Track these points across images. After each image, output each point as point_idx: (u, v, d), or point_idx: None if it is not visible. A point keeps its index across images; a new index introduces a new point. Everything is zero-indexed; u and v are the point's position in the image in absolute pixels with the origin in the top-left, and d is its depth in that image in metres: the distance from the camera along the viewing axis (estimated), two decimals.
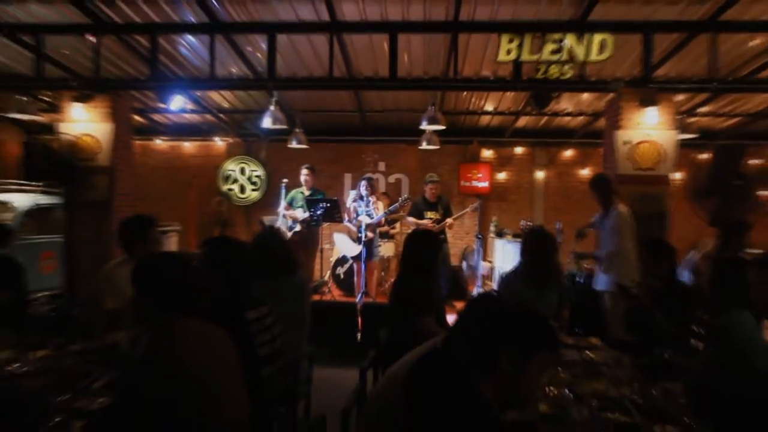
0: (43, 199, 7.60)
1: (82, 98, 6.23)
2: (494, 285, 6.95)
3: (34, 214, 7.39)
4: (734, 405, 2.35)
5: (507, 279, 3.94)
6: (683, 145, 6.51)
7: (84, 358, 2.86)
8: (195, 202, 9.91)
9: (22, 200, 7.41)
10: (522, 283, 3.71)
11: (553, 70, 5.46)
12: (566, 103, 8.30)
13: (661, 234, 5.13)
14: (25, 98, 7.51)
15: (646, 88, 5.60)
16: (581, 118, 8.87)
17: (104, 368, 2.68)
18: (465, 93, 8.11)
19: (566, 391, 2.55)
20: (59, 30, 6.10)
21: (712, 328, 2.79)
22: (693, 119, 8.26)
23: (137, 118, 8.85)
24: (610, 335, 4.00)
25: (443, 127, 7.15)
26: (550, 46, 5.38)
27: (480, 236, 8.12)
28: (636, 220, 4.99)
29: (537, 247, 3.74)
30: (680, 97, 6.54)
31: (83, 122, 6.30)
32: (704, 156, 8.71)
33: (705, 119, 8.65)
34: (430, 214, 6.82)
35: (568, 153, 9.97)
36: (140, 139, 9.42)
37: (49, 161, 6.81)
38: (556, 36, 5.36)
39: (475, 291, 7.31)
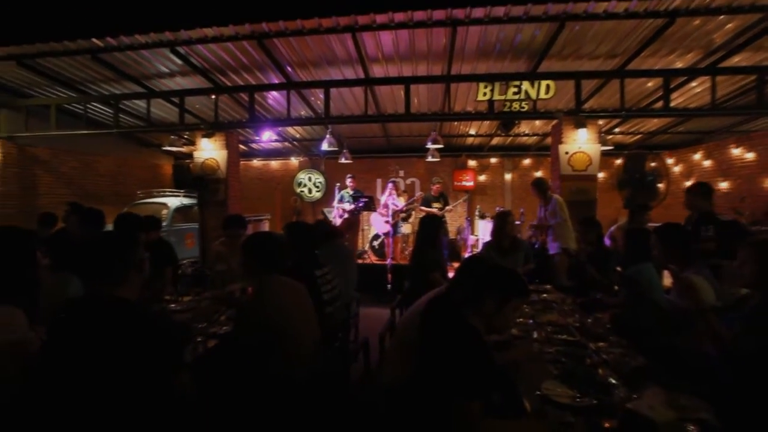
0: (186, 201, 7.78)
1: (207, 135, 6.35)
2: (478, 251, 6.89)
3: (181, 210, 7.57)
4: (642, 326, 2.31)
5: (484, 248, 3.92)
6: (605, 154, 6.34)
7: (213, 301, 2.93)
8: (279, 200, 10.06)
9: (173, 202, 7.60)
10: (492, 250, 3.70)
11: (515, 106, 5.34)
12: (524, 127, 8.14)
13: (591, 213, 5.01)
14: (173, 137, 7.70)
15: (578, 116, 5.45)
16: (534, 137, 8.68)
17: (226, 307, 2.76)
18: (456, 123, 8.02)
19: (530, 321, 2.55)
20: (194, 93, 6.20)
21: (625, 276, 2.73)
22: (610, 136, 8.07)
23: (242, 146, 8.99)
24: (558, 283, 3.94)
25: (442, 146, 7.10)
26: (512, 89, 5.27)
27: (468, 218, 8.05)
28: (573, 205, 4.89)
29: (499, 224, 3.72)
30: (601, 121, 6.35)
31: (209, 150, 6.41)
32: (619, 161, 8.48)
33: (618, 136, 8.45)
34: (435, 205, 6.77)
35: (527, 161, 9.76)
36: (243, 160, 9.54)
37: (189, 176, 6.96)
38: (516, 82, 5.27)
39: (466, 255, 7.27)
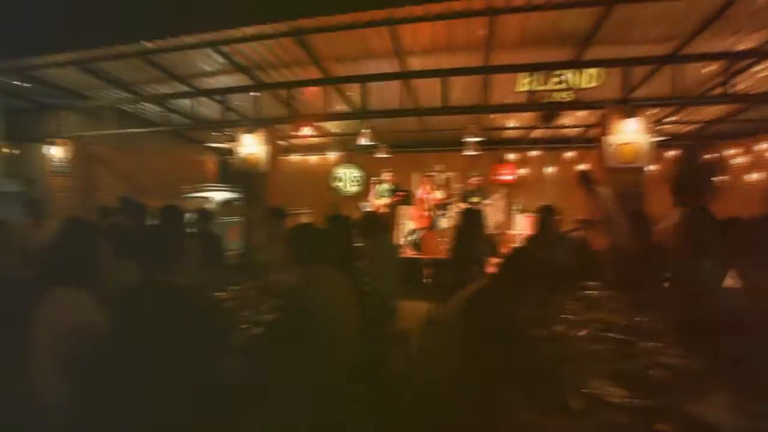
0: (229, 195, 8.07)
1: (249, 131, 6.54)
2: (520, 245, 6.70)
3: (224, 204, 7.87)
4: (702, 326, 2.16)
5: (526, 242, 3.80)
6: (656, 145, 5.95)
7: (257, 290, 3.00)
8: (316, 195, 10.14)
9: (218, 196, 7.92)
10: (534, 245, 3.57)
11: (558, 96, 5.14)
12: (567, 118, 7.79)
13: (640, 207, 4.73)
14: (216, 134, 8.01)
15: (627, 105, 5.16)
16: (578, 129, 8.31)
17: (269, 297, 2.80)
18: (494, 115, 7.81)
19: (574, 317, 2.44)
20: (235, 90, 6.39)
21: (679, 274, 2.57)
22: (662, 126, 7.57)
23: (280, 142, 9.18)
24: (605, 280, 3.75)
25: (480, 139, 6.95)
26: (554, 79, 5.08)
27: (508, 213, 7.86)
28: (621, 199, 4.64)
29: (542, 218, 3.59)
30: (653, 110, 5.99)
31: (250, 146, 6.54)
32: (672, 153, 7.98)
33: (672, 126, 7.90)
34: (473, 199, 6.68)
35: (569, 154, 9.36)
36: (282, 155, 9.72)
37: (232, 172, 7.21)
38: (559, 72, 5.05)
39: (505, 250, 7.09)
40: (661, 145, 7.46)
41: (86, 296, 1.72)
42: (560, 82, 5.04)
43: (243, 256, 6.02)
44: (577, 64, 5.03)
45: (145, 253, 1.62)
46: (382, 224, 3.54)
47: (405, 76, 5.73)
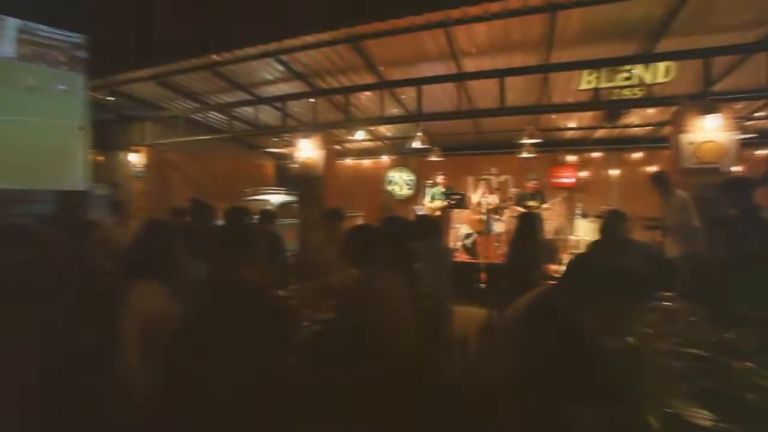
0: (286, 198, 8.38)
1: (305, 136, 6.77)
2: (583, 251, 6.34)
3: (282, 207, 8.15)
4: None
5: (592, 249, 3.57)
6: (743, 144, 5.36)
7: (315, 290, 3.03)
8: (370, 198, 10.31)
9: (275, 199, 8.24)
10: (600, 252, 3.35)
11: (626, 93, 4.80)
12: (633, 117, 7.26)
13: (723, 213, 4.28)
14: (275, 139, 8.37)
15: (707, 100, 4.71)
16: (647, 128, 7.72)
17: (329, 296, 2.81)
18: (554, 116, 7.48)
19: (650, 330, 2.26)
20: (294, 97, 6.63)
21: None
22: (751, 122, 6.82)
23: (336, 146, 9.42)
24: (682, 292, 3.44)
25: (538, 141, 6.68)
26: (622, 75, 4.75)
27: (569, 218, 7.48)
28: (699, 203, 4.24)
29: (609, 223, 3.36)
30: (739, 105, 5.42)
31: (307, 150, 6.68)
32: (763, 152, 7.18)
33: (763, 122, 7.09)
34: (531, 203, 6.42)
35: (636, 155, 8.72)
36: (338, 159, 9.96)
37: (289, 176, 7.49)
38: (628, 67, 4.72)
39: (565, 256, 6.76)
40: (748, 144, 6.76)
41: (162, 290, 1.86)
42: (628, 78, 4.70)
43: (300, 257, 6.21)
44: (650, 58, 4.66)
45: (214, 251, 1.72)
46: (436, 227, 3.49)
47: (460, 78, 5.65)
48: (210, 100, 7.50)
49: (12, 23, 5.45)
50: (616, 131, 8.10)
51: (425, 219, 3.57)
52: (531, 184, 6.53)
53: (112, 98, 7.27)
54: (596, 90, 4.89)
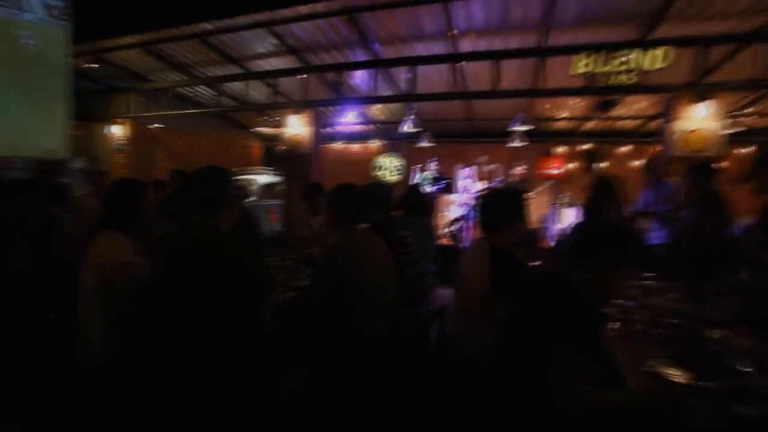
0: (273, 178, 8.23)
1: (295, 113, 6.61)
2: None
3: (268, 186, 8.03)
4: None
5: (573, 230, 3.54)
6: (731, 139, 5.39)
7: (294, 261, 3.10)
8: (357, 182, 10.12)
9: (261, 179, 8.08)
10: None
11: (621, 78, 4.77)
12: (624, 109, 7.27)
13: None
14: (263, 119, 8.20)
15: (699, 88, 4.71)
16: (636, 121, 7.74)
17: (306, 266, 2.87)
18: (546, 106, 7.44)
19: (631, 302, 2.24)
20: (286, 73, 6.47)
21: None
22: (740, 118, 6.85)
23: (324, 129, 9.26)
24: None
25: (530, 128, 6.64)
26: (618, 60, 4.71)
27: (553, 206, 7.49)
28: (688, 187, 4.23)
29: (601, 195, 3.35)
30: (729, 97, 5.43)
31: (295, 127, 6.62)
32: (746, 150, 7.26)
33: (752, 118, 7.13)
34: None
35: (623, 149, 8.74)
36: (325, 142, 9.79)
37: (276, 156, 7.34)
38: (625, 51, 4.69)
39: (547, 245, 6.79)
40: (735, 141, 6.81)
41: (128, 241, 1.79)
42: (623, 63, 4.66)
43: (283, 233, 6.12)
44: (648, 43, 4.63)
45: (193, 195, 1.64)
46: (424, 202, 3.43)
47: (456, 58, 5.55)
48: (199, 73, 7.28)
49: None
50: (606, 123, 8.10)
51: (413, 190, 3.50)
52: (517, 172, 6.53)
53: (96, 65, 7.00)
54: (590, 75, 4.85)
